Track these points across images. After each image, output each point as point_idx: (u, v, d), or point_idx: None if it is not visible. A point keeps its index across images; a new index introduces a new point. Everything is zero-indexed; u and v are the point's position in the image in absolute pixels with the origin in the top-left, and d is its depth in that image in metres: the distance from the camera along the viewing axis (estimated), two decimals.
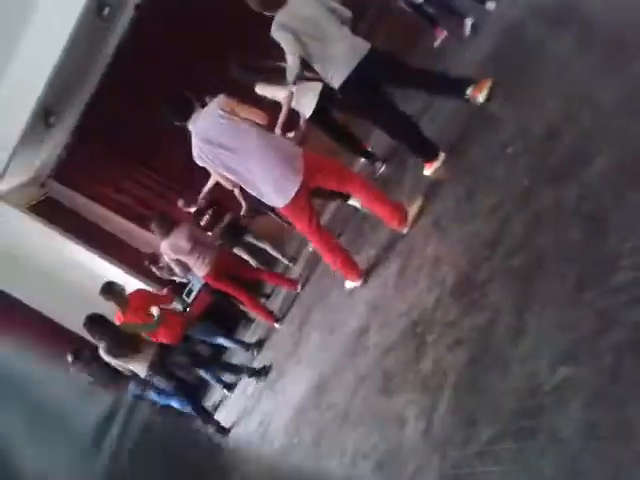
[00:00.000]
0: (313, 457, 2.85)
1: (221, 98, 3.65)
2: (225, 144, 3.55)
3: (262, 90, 5.28)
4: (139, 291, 6.65)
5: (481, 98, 3.60)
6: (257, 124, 3.57)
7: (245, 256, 7.72)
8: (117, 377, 6.04)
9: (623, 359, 1.30)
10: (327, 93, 5.22)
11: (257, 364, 5.96)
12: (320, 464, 2.72)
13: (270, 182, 3.53)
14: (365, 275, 3.82)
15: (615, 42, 2.45)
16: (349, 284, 3.92)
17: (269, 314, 6.44)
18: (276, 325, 6.27)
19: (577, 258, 1.70)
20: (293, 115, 5.61)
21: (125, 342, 5.42)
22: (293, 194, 3.52)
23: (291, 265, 7.89)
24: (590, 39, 2.77)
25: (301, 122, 5.89)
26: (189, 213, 6.67)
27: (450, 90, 3.90)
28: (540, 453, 1.37)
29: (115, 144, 9.50)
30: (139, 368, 5.44)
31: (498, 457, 1.50)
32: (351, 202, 5.61)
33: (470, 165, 3.25)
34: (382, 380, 2.55)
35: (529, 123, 2.75)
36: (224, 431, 5.45)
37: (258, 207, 6.47)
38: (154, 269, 7.75)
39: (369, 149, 5.96)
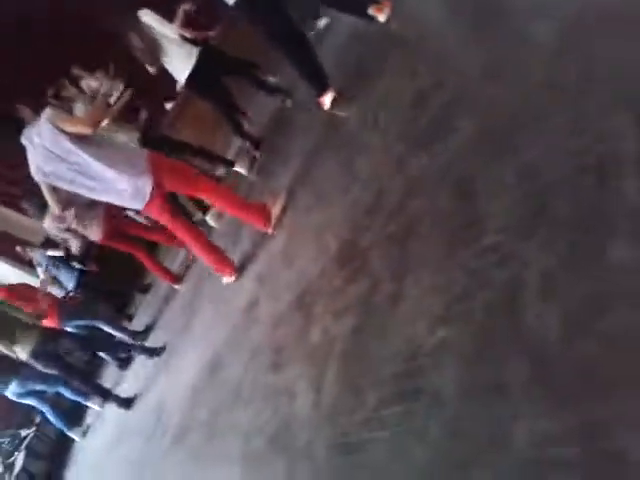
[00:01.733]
0: (208, 436, 2.82)
1: (48, 113, 3.36)
2: (66, 159, 3.35)
3: (150, 19, 4.92)
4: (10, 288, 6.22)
5: (382, 18, 3.52)
6: (86, 137, 3.35)
7: None
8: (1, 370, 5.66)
9: (494, 318, 1.36)
10: (206, 54, 4.99)
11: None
12: (215, 443, 2.69)
13: (120, 193, 3.44)
14: (239, 271, 3.84)
15: (481, 9, 2.51)
16: (225, 279, 3.92)
17: (169, 274, 6.26)
18: (177, 286, 6.11)
19: (448, 222, 1.75)
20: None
21: (3, 323, 5.06)
22: (148, 194, 3.43)
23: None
24: (452, 6, 2.83)
25: (177, 88, 5.66)
26: None
27: (355, 8, 3.76)
28: (424, 415, 1.41)
29: None
30: (21, 352, 5.09)
31: (385, 422, 1.54)
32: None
33: (346, 134, 3.27)
34: (272, 354, 2.55)
35: (399, 91, 2.79)
36: (128, 403, 5.25)
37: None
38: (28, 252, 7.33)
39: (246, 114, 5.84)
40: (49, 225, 5.97)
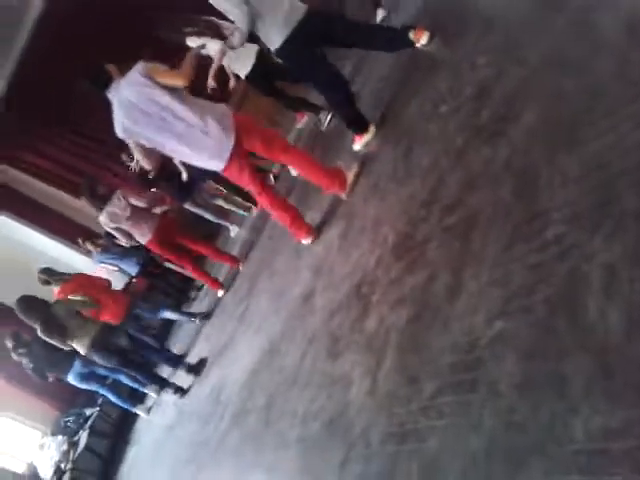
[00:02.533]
0: (265, 420, 2.89)
1: (140, 65, 3.44)
2: (150, 113, 3.40)
3: (194, 42, 5.13)
4: (76, 277, 6.50)
5: (424, 40, 3.55)
6: (179, 89, 3.42)
7: (199, 212, 7.56)
8: (60, 358, 5.91)
9: (554, 312, 1.35)
10: (264, 56, 5.17)
11: (209, 331, 5.94)
12: (271, 427, 2.76)
13: (203, 147, 3.44)
14: (316, 232, 3.81)
15: None
16: (303, 241, 3.88)
17: (214, 281, 6.40)
18: (220, 293, 6.23)
19: (509, 214, 1.74)
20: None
21: (60, 323, 5.26)
22: (228, 155, 3.44)
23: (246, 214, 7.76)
24: None
25: (232, 83, 5.80)
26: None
27: (393, 41, 3.81)
28: (480, 405, 1.42)
29: (42, 112, 9.12)
30: (80, 347, 5.32)
31: (441, 411, 1.55)
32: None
33: (405, 126, 3.27)
34: (329, 342, 2.59)
35: (460, 81, 2.77)
36: (183, 392, 5.43)
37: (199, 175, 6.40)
38: (89, 246, 7.64)
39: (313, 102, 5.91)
40: (103, 221, 6.22)
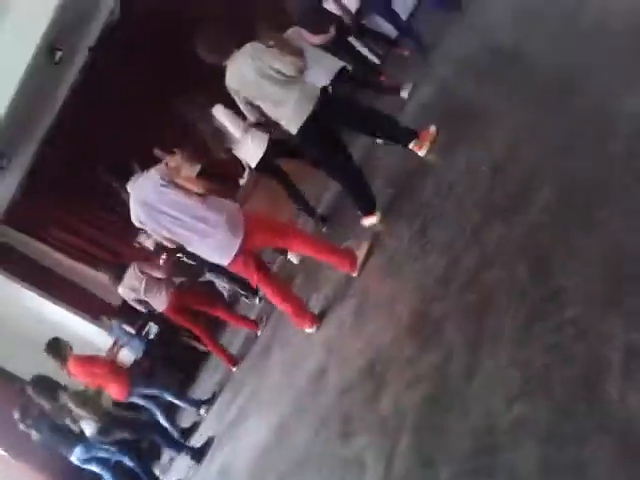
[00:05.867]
0: None
1: (162, 167, 3.75)
2: (165, 211, 3.63)
3: (219, 114, 5.30)
4: (75, 359, 6.44)
5: (422, 153, 3.75)
6: (195, 193, 3.65)
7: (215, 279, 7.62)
8: (62, 441, 5.85)
9: (574, 394, 1.32)
10: (273, 144, 5.34)
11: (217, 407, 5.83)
12: None
13: (211, 244, 3.64)
14: (319, 320, 3.85)
15: (554, 82, 2.54)
16: (307, 330, 3.93)
17: (229, 357, 6.34)
18: (233, 369, 6.17)
19: (526, 294, 1.73)
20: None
21: (68, 409, 5.27)
22: (234, 253, 3.62)
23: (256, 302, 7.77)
24: (530, 81, 2.87)
25: (246, 173, 6.03)
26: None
27: (395, 139, 4.01)
28: None
29: (69, 186, 9.36)
30: (87, 428, 5.28)
31: None
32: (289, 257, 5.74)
33: (420, 204, 3.31)
34: (341, 422, 2.52)
35: (475, 162, 2.82)
36: (200, 454, 5.30)
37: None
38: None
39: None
40: (122, 292, 6.31)
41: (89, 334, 9.33)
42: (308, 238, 3.96)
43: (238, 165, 5.97)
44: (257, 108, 3.92)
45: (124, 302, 8.26)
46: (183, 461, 5.63)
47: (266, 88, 3.73)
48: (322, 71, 4.83)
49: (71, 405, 5.30)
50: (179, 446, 5.84)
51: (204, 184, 3.68)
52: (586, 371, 1.33)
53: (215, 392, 6.40)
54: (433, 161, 3.63)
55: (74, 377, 6.00)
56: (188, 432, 6.32)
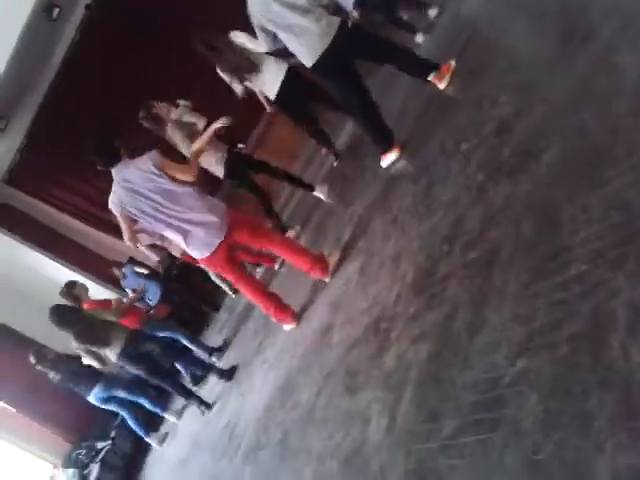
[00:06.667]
0: (280, 456, 2.85)
1: (154, 155, 3.74)
2: (153, 198, 3.66)
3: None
4: (95, 302, 6.59)
5: (442, 85, 3.71)
6: (186, 183, 3.71)
7: None
8: (82, 380, 5.98)
9: (578, 349, 1.33)
10: (293, 75, 5.21)
11: (223, 364, 5.92)
12: (286, 463, 2.72)
13: (194, 237, 3.68)
14: (299, 317, 3.94)
15: (566, 35, 2.49)
16: (286, 327, 4.02)
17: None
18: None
19: (531, 251, 1.73)
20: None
21: (95, 327, 5.36)
22: (215, 248, 3.69)
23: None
24: (544, 33, 2.81)
25: (266, 106, 5.93)
26: None
27: (416, 70, 3.94)
28: (502, 445, 1.39)
29: (69, 145, 9.30)
30: (111, 353, 5.37)
31: (461, 450, 1.52)
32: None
33: (425, 161, 3.29)
34: (346, 378, 2.56)
35: (482, 119, 2.79)
36: (208, 406, 5.42)
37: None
38: (116, 272, 7.79)
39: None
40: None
41: (93, 294, 9.42)
42: (286, 240, 4.10)
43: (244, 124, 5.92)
44: (274, 36, 3.85)
45: (130, 258, 8.34)
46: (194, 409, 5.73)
47: (288, 18, 3.67)
48: None
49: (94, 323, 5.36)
50: (206, 368, 5.94)
51: (194, 174, 3.73)
52: (590, 327, 1.34)
53: (226, 340, 6.50)
54: (452, 93, 3.59)
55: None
56: (218, 350, 6.49)
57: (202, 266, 7.13)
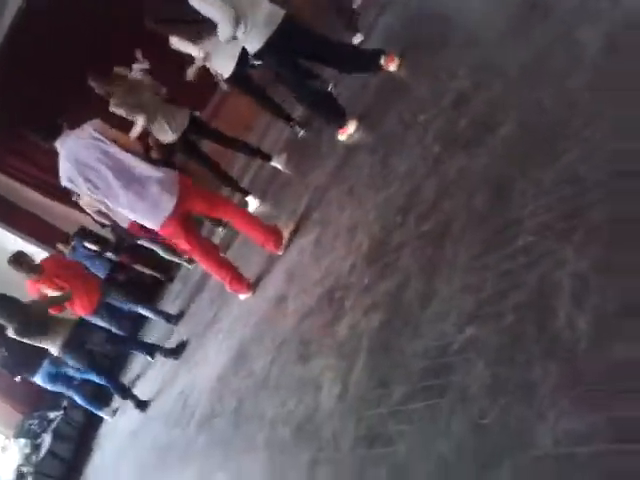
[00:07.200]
0: (234, 424, 2.87)
1: (95, 121, 3.65)
2: (96, 167, 3.54)
3: (177, 44, 5.14)
4: (53, 256, 6.40)
5: (393, 67, 3.71)
6: (131, 150, 3.63)
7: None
8: (29, 357, 5.81)
9: (524, 319, 1.37)
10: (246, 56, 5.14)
11: (174, 339, 5.88)
12: (240, 430, 2.74)
13: (143, 206, 3.59)
14: (254, 286, 3.92)
15: (521, 8, 2.51)
16: (241, 296, 4.00)
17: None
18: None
19: (482, 223, 1.76)
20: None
21: (35, 322, 5.16)
22: (166, 217, 3.60)
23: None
24: (497, 7, 2.83)
25: (221, 85, 5.82)
26: None
27: (364, 64, 3.93)
28: (449, 410, 1.43)
29: (22, 114, 8.97)
30: (52, 347, 5.24)
31: (410, 416, 1.55)
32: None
33: (383, 133, 3.30)
34: (300, 346, 2.58)
35: (440, 91, 2.80)
36: (143, 405, 5.37)
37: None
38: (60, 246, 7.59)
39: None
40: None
41: None
42: (241, 212, 4.00)
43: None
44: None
45: (82, 227, 8.10)
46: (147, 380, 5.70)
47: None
48: None
49: (37, 315, 5.21)
50: (151, 349, 5.87)
51: (138, 143, 3.74)
52: (536, 298, 1.38)
53: (183, 310, 6.44)
54: (404, 78, 3.60)
55: (40, 286, 5.89)
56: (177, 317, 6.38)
57: (144, 242, 7.12)
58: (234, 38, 3.75)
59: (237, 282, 3.93)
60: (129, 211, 3.69)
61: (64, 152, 3.62)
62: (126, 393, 5.68)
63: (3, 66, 8.46)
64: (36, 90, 7.98)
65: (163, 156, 5.66)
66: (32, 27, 8.23)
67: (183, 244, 3.88)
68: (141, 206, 3.60)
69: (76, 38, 8.35)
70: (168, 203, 3.57)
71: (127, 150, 3.62)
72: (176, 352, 5.31)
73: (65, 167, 3.61)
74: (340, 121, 3.92)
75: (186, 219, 3.76)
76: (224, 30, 3.65)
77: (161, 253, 7.22)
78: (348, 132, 3.89)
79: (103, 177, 3.54)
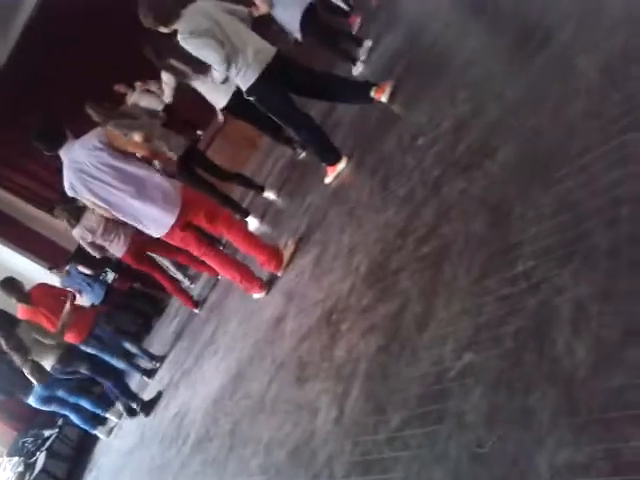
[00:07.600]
0: (229, 447, 2.83)
1: (99, 130, 3.67)
2: (100, 177, 3.54)
3: (167, 78, 5.25)
4: (42, 285, 6.34)
5: (384, 98, 3.71)
6: (136, 157, 3.64)
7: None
8: (22, 379, 5.76)
9: (523, 345, 1.36)
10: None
11: (150, 389, 5.83)
12: (235, 453, 2.70)
13: (148, 215, 3.60)
14: (268, 285, 3.89)
15: (520, 36, 2.53)
16: (255, 296, 3.97)
17: (189, 299, 6.33)
18: (196, 310, 6.17)
19: (482, 247, 1.76)
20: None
21: (22, 344, 5.14)
22: (170, 227, 3.61)
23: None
24: (496, 34, 2.85)
25: (218, 116, 5.90)
26: None
27: (355, 95, 3.97)
28: (446, 437, 1.41)
29: (20, 127, 9.01)
30: (45, 362, 5.22)
31: (406, 442, 1.53)
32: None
33: (383, 157, 3.30)
34: (297, 368, 2.56)
35: (439, 117, 2.81)
36: (147, 408, 5.34)
37: None
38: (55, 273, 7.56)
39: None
40: (77, 234, 6.04)
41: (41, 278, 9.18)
42: (243, 230, 3.97)
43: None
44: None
45: (79, 247, 8.06)
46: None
47: (236, 24, 3.71)
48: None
49: (30, 336, 5.17)
50: (131, 395, 5.78)
51: (145, 148, 3.68)
52: (535, 323, 1.36)
53: (167, 352, 6.41)
54: (396, 109, 3.61)
55: (31, 313, 5.84)
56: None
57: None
58: (227, 79, 3.80)
59: (249, 281, 3.89)
60: (134, 220, 3.69)
61: (67, 161, 3.63)
62: (130, 395, 5.65)
63: (6, 84, 8.55)
64: (38, 108, 8.03)
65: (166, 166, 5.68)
66: (38, 43, 8.35)
67: (194, 249, 3.86)
68: (146, 215, 3.60)
69: (79, 54, 8.46)
70: (172, 212, 3.57)
71: (133, 157, 3.62)
72: (149, 406, 5.30)
73: (69, 177, 3.62)
74: (332, 158, 3.93)
75: (190, 228, 3.76)
76: (217, 72, 3.73)
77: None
78: (337, 170, 3.90)
79: (106, 187, 3.55)
